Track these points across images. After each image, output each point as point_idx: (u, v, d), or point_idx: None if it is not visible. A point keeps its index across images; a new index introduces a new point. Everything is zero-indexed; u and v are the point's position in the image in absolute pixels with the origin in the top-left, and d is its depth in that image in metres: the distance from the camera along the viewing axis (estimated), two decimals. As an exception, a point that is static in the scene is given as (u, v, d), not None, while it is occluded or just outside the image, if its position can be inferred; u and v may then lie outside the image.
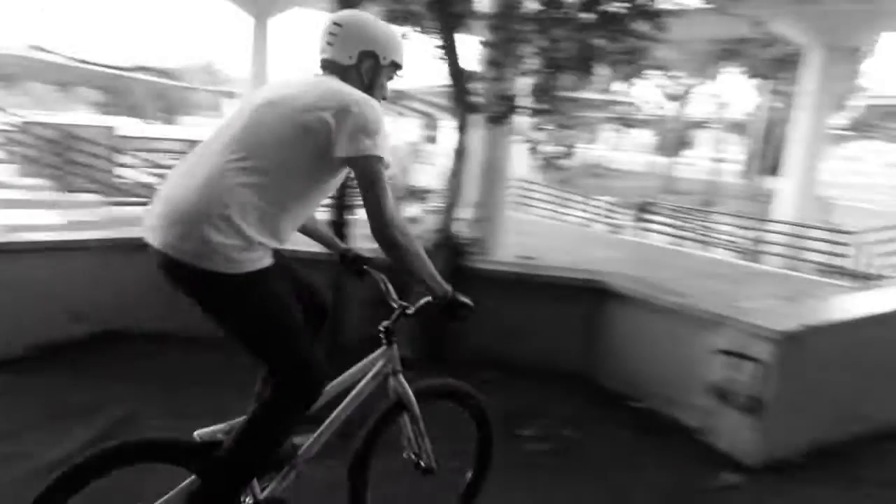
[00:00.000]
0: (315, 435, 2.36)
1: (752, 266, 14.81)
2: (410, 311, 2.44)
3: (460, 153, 4.85)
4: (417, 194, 12.35)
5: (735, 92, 36.96)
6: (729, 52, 29.11)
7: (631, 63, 5.16)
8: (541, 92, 4.96)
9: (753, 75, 31.99)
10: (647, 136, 52.55)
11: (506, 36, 4.94)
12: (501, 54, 5.08)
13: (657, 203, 20.76)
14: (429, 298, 2.30)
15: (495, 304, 5.02)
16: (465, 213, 6.95)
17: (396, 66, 2.36)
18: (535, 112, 5.01)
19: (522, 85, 5.37)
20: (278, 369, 2.16)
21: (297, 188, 2.14)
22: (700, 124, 44.97)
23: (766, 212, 22.36)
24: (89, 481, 2.02)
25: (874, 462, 4.06)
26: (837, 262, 13.94)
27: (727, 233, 18.99)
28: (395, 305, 2.48)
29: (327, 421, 2.37)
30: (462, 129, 4.79)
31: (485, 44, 5.35)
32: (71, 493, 2.00)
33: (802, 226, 16.50)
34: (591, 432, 4.10)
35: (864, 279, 12.18)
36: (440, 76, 4.83)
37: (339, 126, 2.07)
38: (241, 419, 2.20)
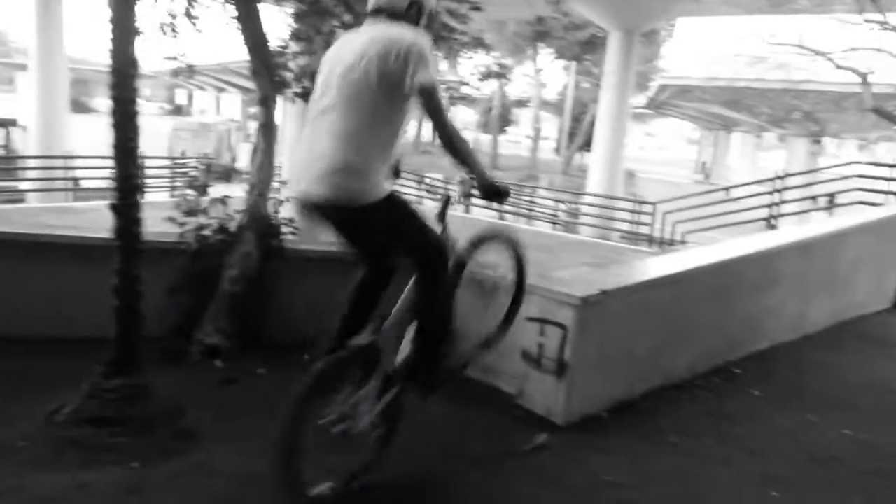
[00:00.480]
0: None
1: (568, 236, 15.76)
2: (455, 197, 3.24)
3: (267, 129, 4.62)
4: (234, 174, 11.78)
5: (550, 72, 38.96)
6: (540, 33, 30.60)
7: (443, 39, 5.16)
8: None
9: (563, 57, 33.91)
10: (471, 115, 54.11)
11: (312, 8, 4.75)
12: (308, 27, 4.88)
13: (482, 179, 21.40)
14: (472, 185, 3.00)
15: (310, 283, 4.89)
16: (282, 192, 6.69)
17: (434, 14, 2.94)
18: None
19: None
20: (425, 252, 2.85)
21: (394, 121, 2.69)
22: (520, 103, 47.03)
23: (580, 185, 23.90)
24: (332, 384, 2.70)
25: (671, 412, 4.43)
26: (641, 229, 15.19)
27: (547, 206, 20.08)
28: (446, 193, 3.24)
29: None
30: (266, 103, 4.56)
31: (291, 15, 5.12)
32: (316, 394, 2.66)
33: (610, 197, 17.77)
34: (410, 410, 4.10)
35: (664, 244, 13.38)
36: (242, 49, 4.56)
37: (407, 65, 2.57)
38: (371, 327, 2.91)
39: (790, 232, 6.86)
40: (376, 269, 2.91)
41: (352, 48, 2.69)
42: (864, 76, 9.07)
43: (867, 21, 8.70)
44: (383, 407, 2.94)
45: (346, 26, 5.01)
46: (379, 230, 2.76)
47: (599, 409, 4.27)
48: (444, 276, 2.92)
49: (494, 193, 2.82)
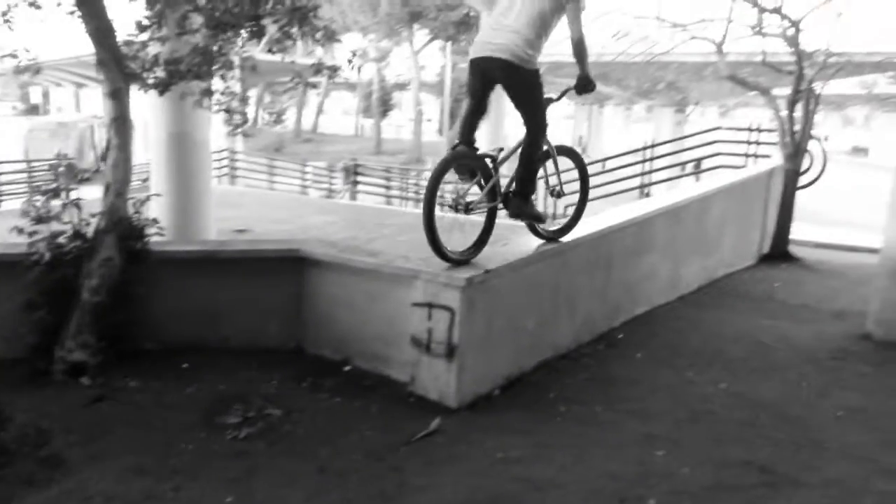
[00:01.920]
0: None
1: (457, 216, 15.80)
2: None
3: (121, 124, 4.27)
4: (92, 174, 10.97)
5: (428, 54, 38.99)
6: (413, 14, 30.50)
7: (303, 23, 4.95)
8: (204, 54, 4.52)
9: (439, 37, 33.99)
10: (352, 100, 53.39)
11: (162, -9, 4.42)
12: (158, 12, 4.54)
13: (367, 165, 21.18)
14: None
15: (184, 285, 4.62)
16: (148, 191, 6.28)
17: None
18: (197, 76, 4.56)
19: (188, 47, 4.86)
20: (536, 125, 4.21)
21: (546, 29, 4.03)
22: (400, 86, 46.82)
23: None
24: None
25: (560, 383, 4.52)
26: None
27: (433, 188, 20.05)
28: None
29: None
30: (117, 96, 4.21)
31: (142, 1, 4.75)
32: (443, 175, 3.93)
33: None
34: (299, 407, 3.97)
35: (547, 219, 13.70)
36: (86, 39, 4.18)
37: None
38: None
39: (660, 199, 7.17)
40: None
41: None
42: (718, 46, 9.57)
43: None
44: (489, 210, 4.34)
45: (200, 10, 4.71)
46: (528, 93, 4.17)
47: (492, 388, 4.29)
48: (541, 143, 4.34)
49: (586, 85, 4.19)
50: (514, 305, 4.47)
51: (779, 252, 9.47)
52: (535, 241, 5.10)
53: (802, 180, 9.77)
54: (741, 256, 8.83)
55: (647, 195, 12.91)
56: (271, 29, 5.02)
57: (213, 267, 4.71)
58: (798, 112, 9.33)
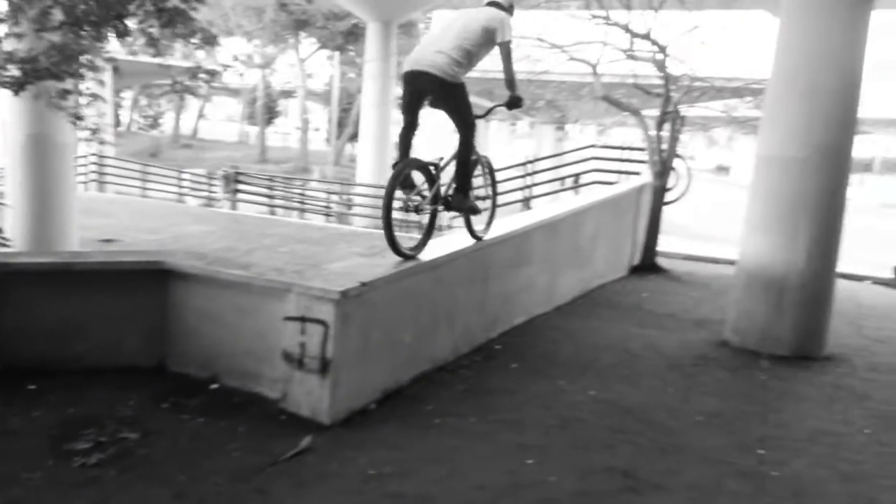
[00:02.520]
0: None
1: (342, 228, 15.64)
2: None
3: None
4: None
5: (316, 62, 38.46)
6: (300, 22, 30.02)
7: (174, 25, 4.71)
8: (63, 53, 4.19)
9: (327, 46, 33.63)
10: (236, 106, 51.79)
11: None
12: (15, 7, 4.18)
13: (249, 173, 20.54)
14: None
15: (34, 300, 4.25)
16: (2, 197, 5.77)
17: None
18: (55, 76, 4.23)
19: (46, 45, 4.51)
20: (467, 127, 4.73)
21: (472, 55, 4.56)
22: (287, 93, 45.89)
23: (352, 176, 23.90)
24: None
25: (437, 395, 4.50)
26: (413, 217, 15.51)
27: (319, 198, 19.78)
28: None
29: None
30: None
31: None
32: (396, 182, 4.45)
33: (381, 187, 17.93)
34: (158, 429, 3.73)
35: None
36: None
37: (501, 27, 4.58)
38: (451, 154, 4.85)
39: (538, 213, 7.37)
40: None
41: (471, 15, 4.70)
42: (594, 67, 10.01)
43: (594, 17, 9.61)
44: (432, 212, 4.86)
45: (60, 5, 4.38)
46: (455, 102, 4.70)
47: (367, 402, 4.21)
48: (473, 146, 4.87)
49: (515, 102, 4.81)
50: (391, 318, 4.42)
51: (648, 264, 9.99)
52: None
53: (669, 196, 10.37)
54: (614, 268, 9.23)
55: (530, 208, 13.29)
56: (152, 30, 4.75)
57: (67, 280, 4.36)
58: (665, 132, 9.91)
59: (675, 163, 10.27)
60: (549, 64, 10.87)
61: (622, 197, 9.49)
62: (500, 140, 36.81)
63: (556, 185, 14.35)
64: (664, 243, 10.47)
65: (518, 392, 4.63)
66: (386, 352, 4.39)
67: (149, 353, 4.46)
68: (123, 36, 4.52)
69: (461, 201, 4.93)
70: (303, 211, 18.80)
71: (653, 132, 9.90)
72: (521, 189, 13.97)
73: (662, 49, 9.50)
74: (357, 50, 31.54)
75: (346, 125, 37.76)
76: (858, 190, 43.02)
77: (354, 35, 31.30)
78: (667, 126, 9.89)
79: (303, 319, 3.92)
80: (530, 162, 13.25)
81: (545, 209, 7.91)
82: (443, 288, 5.01)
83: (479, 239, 5.33)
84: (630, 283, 9.03)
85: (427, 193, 4.71)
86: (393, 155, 21.19)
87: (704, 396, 4.81)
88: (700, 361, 5.69)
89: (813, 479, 3.55)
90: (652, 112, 10.65)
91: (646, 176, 10.50)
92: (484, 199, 5.33)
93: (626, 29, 9.48)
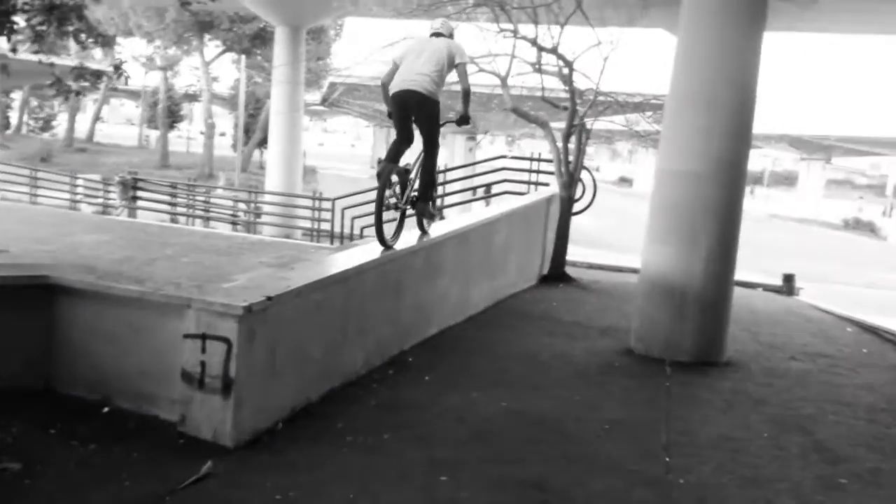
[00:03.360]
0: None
1: (249, 237, 15.17)
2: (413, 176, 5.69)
3: None
4: None
5: (222, 66, 37.36)
6: (204, 24, 29.06)
7: (64, 23, 4.40)
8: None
9: (233, 49, 32.72)
10: (136, 109, 49.57)
11: None
12: None
13: (150, 179, 19.63)
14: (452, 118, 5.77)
15: None
16: None
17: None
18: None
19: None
20: (433, 141, 5.52)
21: (442, 75, 5.34)
22: (191, 97, 44.33)
23: (261, 183, 23.27)
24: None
25: (348, 411, 4.38)
26: (323, 226, 15.25)
27: (225, 206, 19.14)
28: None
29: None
30: None
31: None
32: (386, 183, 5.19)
33: (290, 195, 17.57)
34: (44, 457, 3.43)
35: (344, 240, 13.60)
36: None
37: (459, 52, 5.46)
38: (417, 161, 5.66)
39: (450, 223, 7.36)
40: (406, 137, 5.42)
41: (433, 44, 5.44)
42: (503, 79, 10.13)
43: (501, 30, 9.74)
44: (401, 212, 5.58)
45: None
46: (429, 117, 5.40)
47: (274, 422, 4.04)
48: (437, 156, 5.71)
49: (465, 122, 5.66)
50: (299, 333, 4.27)
51: (556, 273, 10.18)
52: (324, 264, 4.96)
53: (576, 207, 10.63)
54: (524, 277, 9.34)
55: (442, 218, 13.34)
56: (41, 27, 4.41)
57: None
58: (572, 144, 10.15)
59: (582, 174, 10.53)
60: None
61: (532, 207, 9.64)
62: (413, 149, 36.84)
63: (468, 195, 14.46)
64: (572, 253, 10.71)
65: (431, 405, 4.57)
66: (294, 368, 4.23)
67: (33, 375, 4.12)
68: (9, 34, 4.18)
69: (422, 207, 5.78)
70: (208, 219, 18.14)
71: (560, 144, 10.11)
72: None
73: (568, 64, 9.73)
74: (265, 54, 30.84)
75: (253, 131, 36.81)
76: (750, 201, 45.79)
77: (262, 38, 30.57)
78: (573, 138, 10.13)
79: (203, 337, 3.72)
80: (441, 172, 13.25)
81: (457, 219, 7.91)
82: (353, 300, 4.90)
83: (424, 232, 6.02)
84: (540, 293, 9.16)
85: (402, 194, 5.56)
86: (305, 162, 20.88)
87: (611, 404, 4.90)
88: (606, 369, 5.82)
89: (716, 486, 3.66)
90: (559, 124, 10.90)
91: (554, 187, 10.72)
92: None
93: (534, 43, 9.65)
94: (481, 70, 10.24)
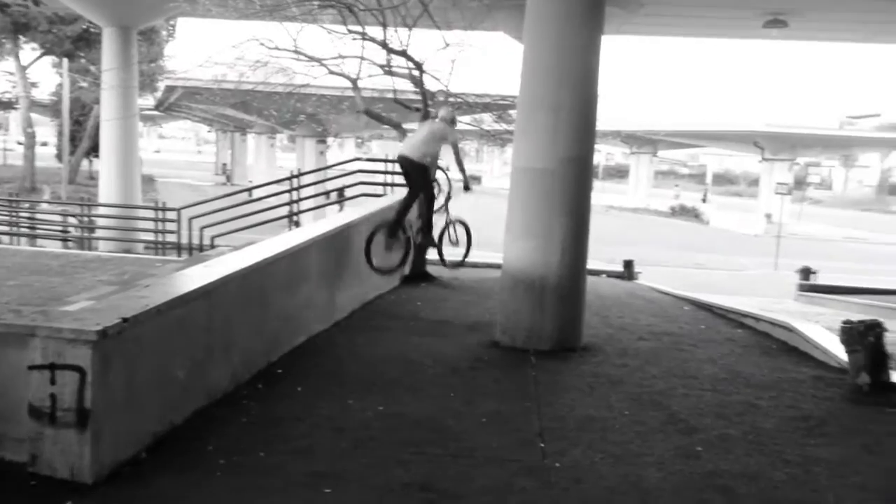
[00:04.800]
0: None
1: (84, 254, 14.00)
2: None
3: None
4: None
5: (41, 70, 34.19)
6: (18, 25, 26.47)
7: None
8: None
9: (53, 53, 30.07)
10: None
11: None
12: None
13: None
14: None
15: None
16: None
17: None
18: None
19: None
20: (427, 191, 7.42)
21: (433, 148, 7.35)
22: (6, 105, 40.26)
23: (93, 195, 21.51)
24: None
25: (218, 432, 4.15)
26: (168, 238, 14.39)
27: (53, 221, 17.54)
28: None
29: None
30: None
31: None
32: (371, 240, 7.09)
33: (129, 206, 16.44)
34: None
35: (193, 251, 12.92)
36: None
37: (451, 134, 7.35)
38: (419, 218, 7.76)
39: (312, 229, 7.22)
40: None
41: (428, 126, 7.32)
42: (354, 81, 10.07)
43: (350, 31, 9.66)
44: (405, 245, 7.38)
45: None
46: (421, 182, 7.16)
47: (137, 451, 3.76)
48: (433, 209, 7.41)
49: (467, 189, 7.47)
50: (160, 354, 4.00)
51: (419, 273, 10.28)
52: (181, 279, 4.69)
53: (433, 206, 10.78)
54: (387, 279, 9.35)
55: (297, 224, 13.04)
56: None
57: None
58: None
59: (437, 174, 10.70)
60: (308, 77, 10.73)
61: (390, 208, 9.64)
62: (260, 154, 35.69)
63: (322, 200, 14.25)
64: (432, 251, 10.85)
65: (306, 417, 4.45)
66: (156, 392, 3.96)
67: None
68: None
69: (425, 236, 7.70)
70: (34, 237, 16.54)
71: (415, 145, 10.21)
72: (287, 204, 13.63)
73: (418, 66, 9.85)
74: (90, 56, 28.59)
75: (80, 139, 34.01)
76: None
77: (87, 40, 28.29)
78: (427, 139, 10.26)
79: (52, 367, 3.38)
80: (296, 176, 12.97)
81: (318, 225, 7.77)
82: (217, 314, 4.66)
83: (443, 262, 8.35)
84: (405, 293, 9.21)
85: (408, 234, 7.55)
86: (143, 171, 19.53)
87: (485, 398, 5.02)
88: (476, 364, 5.96)
89: (589, 466, 3.86)
90: (412, 125, 11.00)
91: (410, 187, 10.81)
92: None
93: (383, 45, 9.67)
94: (331, 73, 10.13)
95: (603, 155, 69.79)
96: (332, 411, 4.56)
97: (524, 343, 6.52)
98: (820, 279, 16.03)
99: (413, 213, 7.75)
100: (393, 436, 4.18)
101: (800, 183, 40.99)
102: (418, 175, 7.12)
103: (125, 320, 3.58)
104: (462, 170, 7.37)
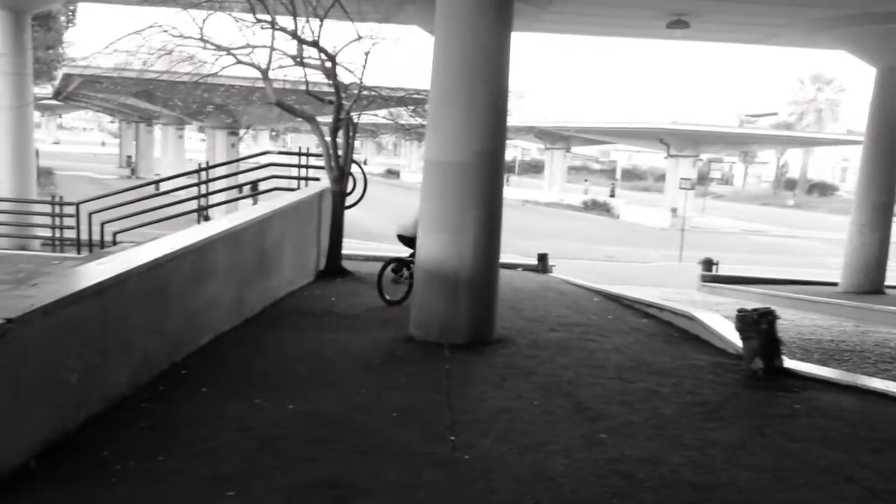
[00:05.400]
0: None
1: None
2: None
3: None
4: None
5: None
6: None
7: None
8: None
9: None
10: None
11: None
12: None
13: None
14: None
15: None
16: None
17: None
18: None
19: None
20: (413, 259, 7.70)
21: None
22: None
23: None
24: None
25: (115, 436, 3.96)
26: (67, 233, 13.64)
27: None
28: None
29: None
30: None
31: None
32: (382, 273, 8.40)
33: (23, 201, 15.48)
34: None
35: (93, 248, 12.29)
36: None
37: None
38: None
39: (219, 224, 6.98)
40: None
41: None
42: (264, 72, 9.80)
43: (259, 21, 9.39)
44: (409, 281, 7.90)
45: None
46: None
47: (25, 460, 3.53)
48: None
49: None
50: (49, 357, 3.76)
51: (333, 268, 10.16)
52: (75, 276, 4.43)
53: (349, 200, 10.67)
54: (301, 274, 9.19)
55: (207, 218, 12.60)
56: None
57: None
58: (340, 138, 10.15)
59: (352, 168, 10.59)
60: (215, 67, 10.36)
61: (304, 203, 9.49)
62: (168, 146, 34.30)
63: (234, 194, 13.83)
64: (349, 246, 10.75)
65: (211, 418, 4.31)
66: (45, 397, 3.73)
67: None
68: None
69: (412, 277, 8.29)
70: None
71: (328, 138, 10.06)
72: (197, 198, 13.15)
73: (331, 58, 9.69)
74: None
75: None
76: (506, 189, 49.44)
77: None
78: (341, 132, 10.14)
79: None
80: (204, 169, 12.52)
81: (225, 220, 7.53)
82: (113, 314, 4.44)
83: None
84: (318, 289, 9.08)
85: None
86: (40, 163, 18.44)
87: (397, 392, 5.01)
88: (389, 359, 5.93)
89: (498, 456, 3.90)
90: (326, 119, 10.83)
91: (325, 182, 10.64)
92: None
93: (294, 35, 9.46)
94: (239, 62, 9.82)
95: (519, 150, 71.02)
96: (238, 411, 4.42)
97: (438, 337, 6.54)
98: (721, 270, 16.84)
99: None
100: (301, 434, 4.09)
101: (703, 178, 42.96)
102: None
103: (9, 321, 3.35)
104: None
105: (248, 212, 8.25)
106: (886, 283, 14.05)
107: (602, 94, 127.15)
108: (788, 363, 5.98)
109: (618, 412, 4.75)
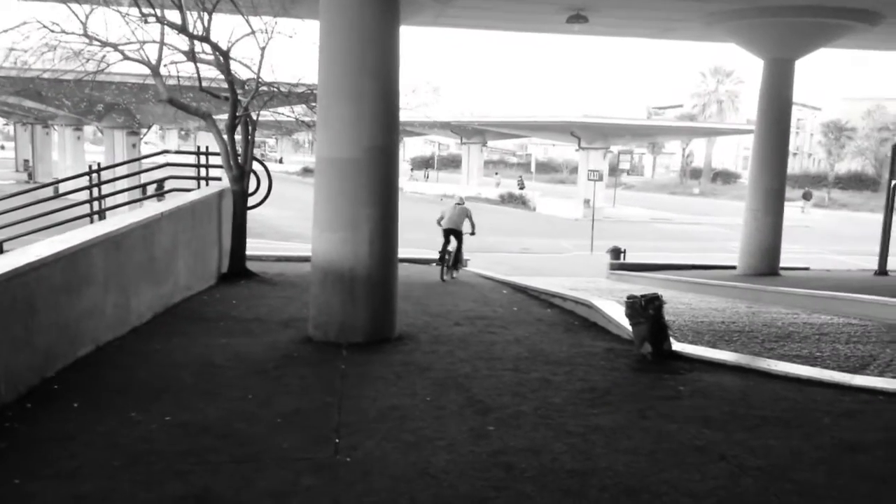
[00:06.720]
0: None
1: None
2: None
3: None
4: None
5: None
6: None
7: None
8: None
9: None
10: None
11: None
12: None
13: None
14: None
15: None
16: None
17: None
18: None
19: None
20: (461, 243, 11.89)
21: (465, 220, 11.77)
22: None
23: None
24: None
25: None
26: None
27: None
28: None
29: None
30: None
31: None
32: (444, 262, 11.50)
33: None
34: None
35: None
36: None
37: (469, 213, 11.87)
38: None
39: (98, 227, 6.61)
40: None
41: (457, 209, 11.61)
42: (154, 68, 9.37)
43: (143, 15, 8.94)
44: (452, 260, 11.61)
45: None
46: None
47: None
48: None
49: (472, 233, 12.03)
50: None
51: (237, 270, 9.85)
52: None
53: (252, 200, 10.36)
54: (200, 278, 8.85)
55: (464, 267, 12.86)
56: None
57: None
58: (239, 136, 9.83)
59: (255, 166, 10.29)
60: (101, 63, 9.82)
61: (200, 203, 9.13)
62: (65, 148, 32.55)
63: (132, 195, 13.18)
64: (257, 247, 10.43)
65: (79, 435, 4.05)
66: None
67: None
68: None
69: (458, 260, 11.76)
70: None
71: (226, 136, 9.73)
72: (94, 200, 12.47)
73: (224, 53, 9.36)
74: None
75: None
76: (425, 183, 49.46)
77: None
78: (240, 130, 9.82)
79: None
80: (95, 171, 11.87)
81: (107, 222, 7.15)
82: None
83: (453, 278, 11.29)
84: (219, 292, 8.78)
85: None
86: None
87: (286, 397, 4.86)
88: (284, 362, 5.77)
89: (380, 456, 3.83)
90: (222, 117, 10.46)
91: (225, 181, 10.29)
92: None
93: (182, 30, 9.08)
94: (127, 58, 9.35)
95: (437, 146, 71.14)
96: (109, 426, 4.18)
97: (337, 337, 6.42)
98: (628, 258, 17.33)
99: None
100: (174, 447, 3.90)
101: (613, 169, 44.10)
102: (459, 235, 11.60)
103: None
104: (473, 226, 11.78)
105: (132, 214, 7.85)
106: (781, 264, 14.77)
107: (517, 89, 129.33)
108: (677, 346, 6.17)
109: (509, 403, 4.76)
